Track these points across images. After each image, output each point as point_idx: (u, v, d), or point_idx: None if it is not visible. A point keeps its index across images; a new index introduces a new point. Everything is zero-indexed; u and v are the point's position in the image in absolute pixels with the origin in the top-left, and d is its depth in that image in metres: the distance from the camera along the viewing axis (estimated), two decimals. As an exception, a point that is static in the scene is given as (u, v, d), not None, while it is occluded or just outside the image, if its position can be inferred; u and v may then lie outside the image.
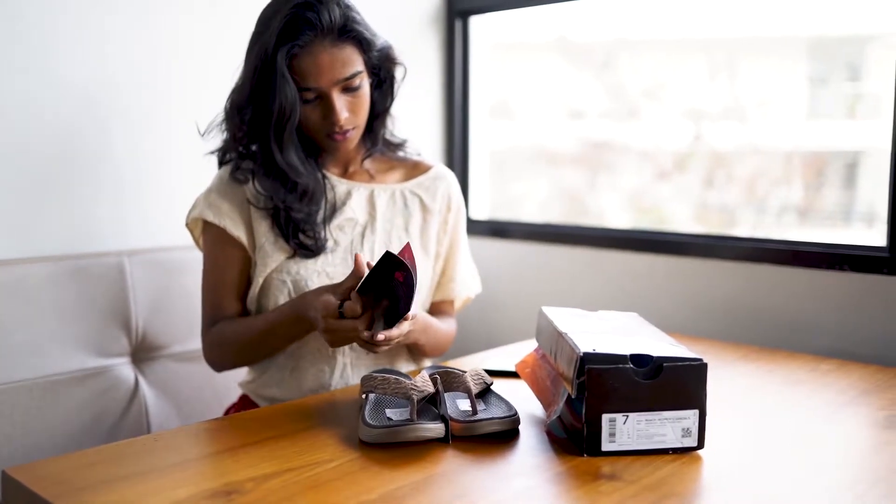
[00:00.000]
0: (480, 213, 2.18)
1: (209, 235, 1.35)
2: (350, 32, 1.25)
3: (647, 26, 2.24)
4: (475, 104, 2.16)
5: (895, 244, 1.48)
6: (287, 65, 1.22)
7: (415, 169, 1.46)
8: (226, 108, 1.32)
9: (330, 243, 1.33)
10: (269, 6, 1.27)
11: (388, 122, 1.42)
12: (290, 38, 1.21)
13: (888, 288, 1.48)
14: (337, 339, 1.15)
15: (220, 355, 1.35)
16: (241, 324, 1.32)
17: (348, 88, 1.27)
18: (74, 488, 0.88)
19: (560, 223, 2.07)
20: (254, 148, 1.32)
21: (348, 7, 1.26)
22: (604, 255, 1.87)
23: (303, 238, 1.30)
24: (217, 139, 1.37)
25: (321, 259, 1.32)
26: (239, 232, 1.32)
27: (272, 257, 1.31)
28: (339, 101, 1.26)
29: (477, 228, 2.10)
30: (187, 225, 1.38)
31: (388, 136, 1.43)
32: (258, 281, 1.32)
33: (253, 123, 1.28)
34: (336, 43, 1.24)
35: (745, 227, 2.21)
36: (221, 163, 1.38)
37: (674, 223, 2.28)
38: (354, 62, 1.26)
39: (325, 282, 1.32)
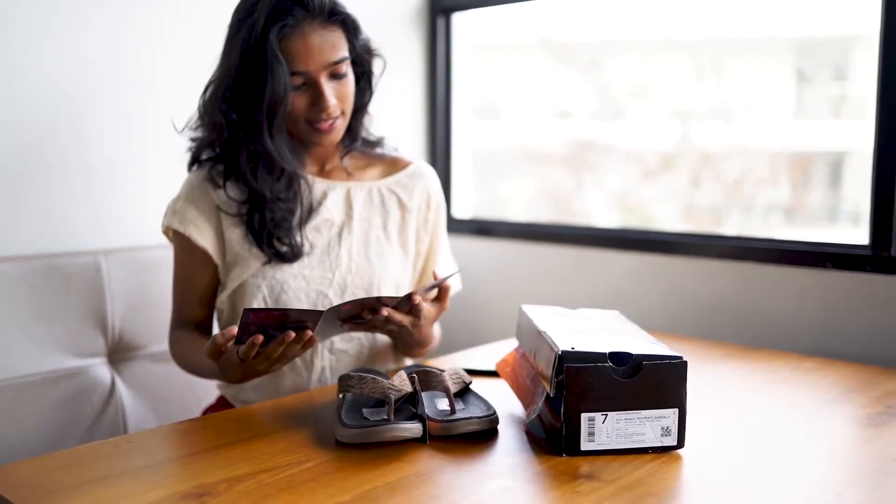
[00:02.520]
0: (464, 212, 2.17)
1: (176, 242, 1.34)
2: (338, 15, 1.24)
3: (632, 26, 2.24)
4: (458, 103, 2.15)
5: (877, 242, 1.47)
6: (277, 46, 1.20)
7: (393, 166, 1.43)
8: (203, 101, 1.29)
9: (306, 247, 1.31)
10: None
11: (366, 119, 1.40)
12: (280, 17, 1.19)
13: (871, 286, 1.48)
14: (265, 369, 1.11)
15: (176, 361, 1.36)
16: (189, 357, 1.30)
17: (335, 75, 1.25)
18: (43, 491, 0.86)
19: (544, 222, 2.06)
20: (229, 140, 1.28)
21: None
22: (588, 254, 1.86)
23: (278, 245, 1.28)
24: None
25: (298, 262, 1.30)
26: (204, 241, 1.30)
27: (248, 264, 1.29)
28: (328, 87, 1.24)
29: (460, 227, 2.09)
30: (164, 232, 1.36)
31: (364, 135, 1.41)
32: (232, 285, 1.31)
33: (240, 111, 1.25)
34: (325, 25, 1.23)
35: (732, 227, 2.21)
36: (193, 163, 1.35)
37: (660, 223, 2.28)
38: (342, 47, 1.25)
39: (302, 285, 1.30)
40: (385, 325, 1.17)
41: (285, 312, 1.03)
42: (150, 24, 1.62)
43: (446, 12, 2.10)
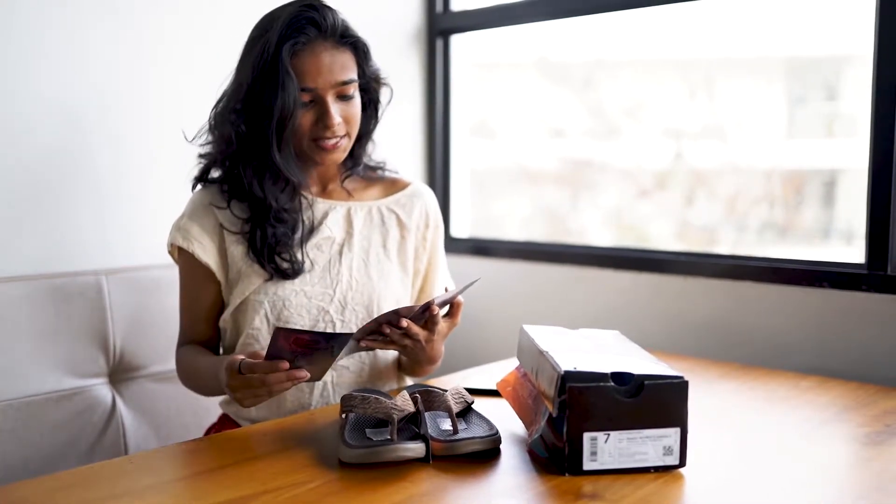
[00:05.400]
0: (462, 232, 2.18)
1: (182, 260, 1.36)
2: (350, 38, 1.28)
3: (626, 46, 2.26)
4: (456, 123, 2.16)
5: (873, 261, 1.49)
6: (289, 62, 1.23)
7: (392, 186, 1.46)
8: (215, 112, 1.31)
9: (307, 264, 1.33)
10: (266, 16, 1.29)
11: (369, 146, 1.43)
12: (292, 35, 1.23)
13: (867, 305, 1.49)
14: (245, 396, 1.12)
15: (180, 378, 1.38)
16: (192, 360, 1.33)
17: (343, 96, 1.28)
18: (47, 512, 0.87)
19: (542, 241, 2.07)
20: (237, 152, 1.29)
21: (344, 20, 1.30)
22: (586, 273, 1.87)
23: (279, 262, 1.30)
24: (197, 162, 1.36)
25: (299, 279, 1.32)
26: (208, 258, 1.32)
27: (250, 280, 1.31)
28: (334, 107, 1.27)
29: (459, 247, 2.10)
30: (169, 252, 1.38)
31: (366, 160, 1.44)
32: (234, 302, 1.32)
33: (250, 124, 1.27)
34: (337, 45, 1.27)
35: (726, 245, 2.23)
36: (198, 182, 1.37)
37: (655, 241, 2.29)
38: (351, 69, 1.28)
39: (303, 301, 1.31)
40: (402, 340, 1.19)
41: (314, 337, 1.05)
42: (150, 39, 1.62)
43: (445, 34, 2.12)
